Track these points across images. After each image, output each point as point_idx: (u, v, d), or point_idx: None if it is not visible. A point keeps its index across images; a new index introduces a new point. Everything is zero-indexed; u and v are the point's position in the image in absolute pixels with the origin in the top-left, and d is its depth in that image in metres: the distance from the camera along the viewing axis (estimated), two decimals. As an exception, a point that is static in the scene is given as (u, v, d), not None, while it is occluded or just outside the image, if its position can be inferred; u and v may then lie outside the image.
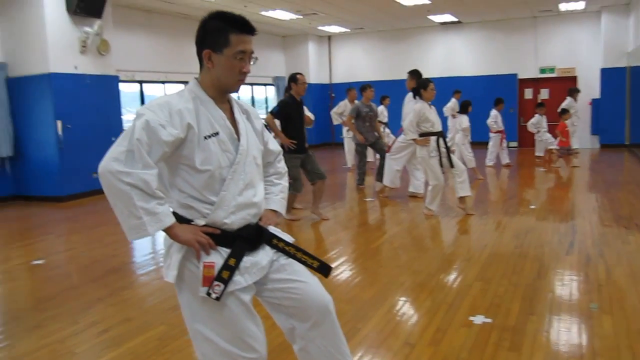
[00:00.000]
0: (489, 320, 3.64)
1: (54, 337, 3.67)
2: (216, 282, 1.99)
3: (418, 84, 7.16)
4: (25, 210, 8.88)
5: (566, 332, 3.44)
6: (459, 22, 15.96)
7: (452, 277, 4.67)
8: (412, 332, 3.52)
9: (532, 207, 7.54)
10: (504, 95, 12.52)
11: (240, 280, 2.04)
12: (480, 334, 3.43)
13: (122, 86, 10.89)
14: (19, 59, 9.29)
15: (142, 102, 12.25)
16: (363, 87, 9.22)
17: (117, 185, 1.88)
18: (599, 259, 4.94)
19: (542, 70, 15.63)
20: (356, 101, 9.95)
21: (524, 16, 15.32)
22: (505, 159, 11.94)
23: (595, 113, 14.99)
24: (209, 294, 1.99)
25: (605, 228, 6.13)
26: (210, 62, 2.06)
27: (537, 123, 12.20)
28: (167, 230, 1.98)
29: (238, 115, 2.18)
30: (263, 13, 13.18)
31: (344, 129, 12.16)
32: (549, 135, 12.12)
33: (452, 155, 7.11)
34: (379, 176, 8.79)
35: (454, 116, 12.36)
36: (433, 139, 6.92)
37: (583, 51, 15.06)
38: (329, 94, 18.26)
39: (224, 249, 2.06)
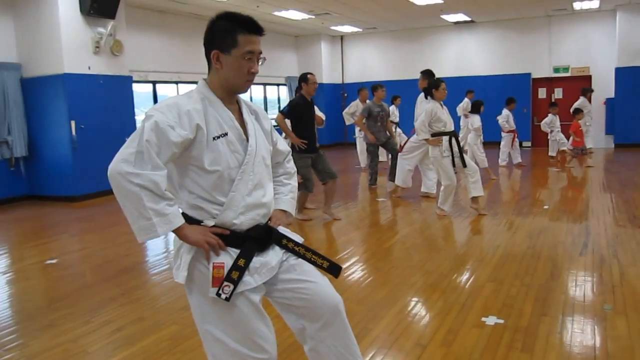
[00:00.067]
0: (501, 321, 3.62)
1: (66, 336, 3.70)
2: (226, 283, 1.99)
3: (429, 83, 7.13)
4: (39, 209, 8.96)
5: (579, 334, 3.41)
6: (472, 21, 15.88)
7: (464, 277, 4.65)
8: (424, 333, 3.51)
9: (546, 207, 7.48)
10: (517, 95, 12.45)
11: (249, 280, 2.04)
12: (493, 335, 3.41)
13: (135, 86, 10.96)
14: (33, 60, 9.37)
15: (155, 102, 12.31)
16: (374, 86, 9.21)
17: (126, 186, 1.89)
18: (613, 260, 4.89)
19: (556, 70, 15.51)
20: (368, 101, 9.93)
21: (538, 15, 15.21)
22: (517, 159, 11.88)
23: (609, 112, 14.85)
24: (218, 295, 1.98)
25: (619, 228, 6.07)
26: (219, 62, 2.06)
27: (551, 123, 12.10)
28: (177, 231, 1.98)
29: (247, 115, 2.17)
30: (276, 13, 13.20)
31: (357, 129, 12.15)
32: (562, 136, 12.01)
33: (464, 155, 7.08)
34: (392, 176, 8.76)
35: (465, 116, 12.31)
36: (445, 138, 6.89)
37: (597, 50, 14.94)
38: (341, 93, 18.26)
39: (234, 249, 2.05)
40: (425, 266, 4.97)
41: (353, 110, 11.42)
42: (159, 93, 12.52)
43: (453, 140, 6.92)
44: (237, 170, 2.06)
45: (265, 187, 2.16)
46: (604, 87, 14.72)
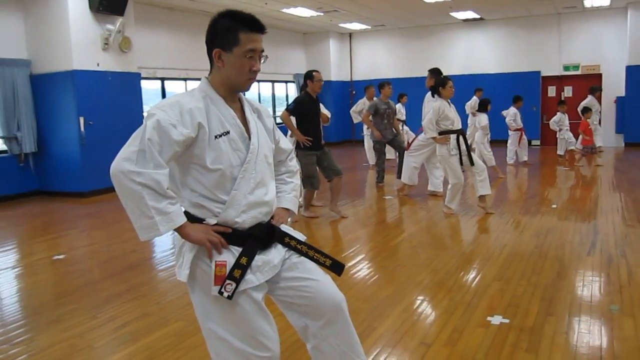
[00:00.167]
0: (506, 320, 3.60)
1: (73, 331, 3.72)
2: (228, 281, 1.99)
3: (436, 81, 7.11)
4: (47, 205, 9.01)
5: (586, 334, 3.38)
6: (481, 19, 15.80)
7: (470, 276, 4.63)
8: (429, 332, 3.50)
9: (554, 206, 7.44)
10: (526, 93, 12.39)
11: (252, 278, 2.04)
12: (498, 334, 3.40)
13: (143, 83, 10.99)
14: (43, 57, 9.42)
15: (164, 98, 12.32)
16: (381, 84, 9.21)
17: (128, 185, 1.89)
18: (620, 260, 4.85)
19: (566, 68, 15.40)
20: (374, 98, 9.92)
21: (547, 13, 15.10)
22: (524, 157, 11.82)
23: (620, 111, 14.73)
24: (221, 293, 1.98)
25: (628, 228, 6.03)
26: (221, 61, 2.06)
27: (560, 121, 12.02)
28: (179, 230, 1.98)
29: (249, 114, 2.17)
30: (284, 10, 13.19)
31: (364, 127, 12.13)
32: (570, 134, 11.92)
33: (472, 153, 7.05)
34: (400, 174, 8.75)
35: (473, 114, 12.26)
36: (453, 137, 6.86)
37: (608, 48, 14.81)
38: (349, 91, 18.24)
39: (236, 247, 2.05)
40: (432, 264, 4.96)
41: (360, 109, 11.40)
42: (167, 90, 12.55)
43: (461, 138, 6.90)
44: (239, 168, 2.06)
45: (267, 185, 2.16)
46: (615, 85, 14.60)
